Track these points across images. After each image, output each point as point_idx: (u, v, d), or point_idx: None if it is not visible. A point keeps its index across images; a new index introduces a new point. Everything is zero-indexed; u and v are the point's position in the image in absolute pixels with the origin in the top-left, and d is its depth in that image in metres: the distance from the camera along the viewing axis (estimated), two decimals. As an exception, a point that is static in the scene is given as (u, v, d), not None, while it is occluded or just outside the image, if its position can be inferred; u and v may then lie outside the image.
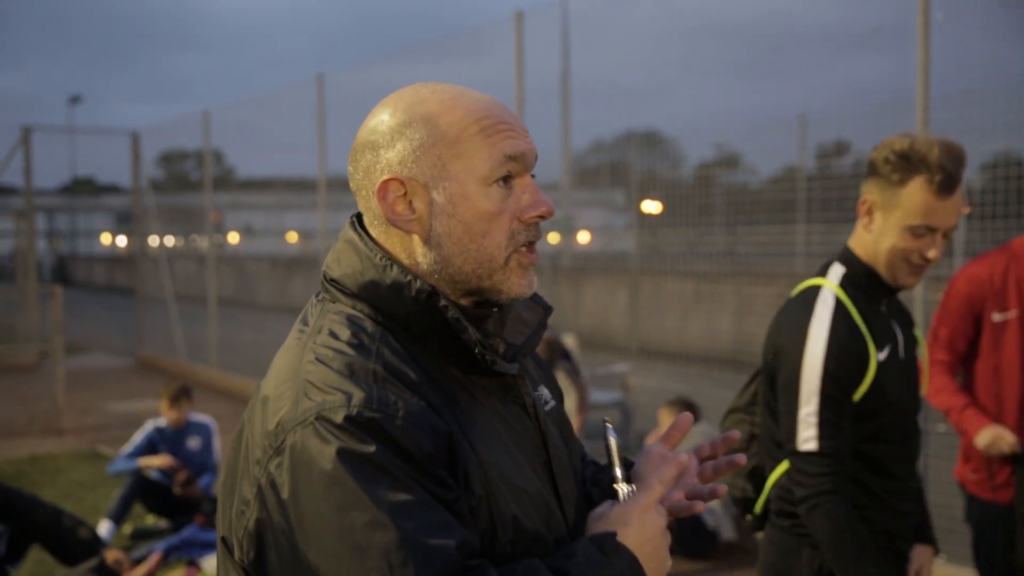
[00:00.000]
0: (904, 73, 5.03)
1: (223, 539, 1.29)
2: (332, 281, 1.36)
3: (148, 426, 6.70)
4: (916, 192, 2.30)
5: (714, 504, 5.70)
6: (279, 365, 1.30)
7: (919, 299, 5.08)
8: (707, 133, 10.25)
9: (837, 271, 2.47)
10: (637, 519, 1.31)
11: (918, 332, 2.67)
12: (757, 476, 2.62)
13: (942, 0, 4.85)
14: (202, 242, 16.17)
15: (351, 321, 1.30)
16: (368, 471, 1.14)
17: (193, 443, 6.62)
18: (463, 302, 1.35)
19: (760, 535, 2.67)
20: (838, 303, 2.40)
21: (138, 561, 5.45)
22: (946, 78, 4.94)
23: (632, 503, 1.33)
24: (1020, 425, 3.35)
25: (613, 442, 1.40)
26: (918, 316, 5.08)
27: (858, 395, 2.37)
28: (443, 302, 1.28)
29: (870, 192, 2.40)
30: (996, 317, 3.39)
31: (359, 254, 1.33)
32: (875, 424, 2.41)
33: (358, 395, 1.18)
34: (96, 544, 5.21)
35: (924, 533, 2.76)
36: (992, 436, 3.31)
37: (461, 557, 1.14)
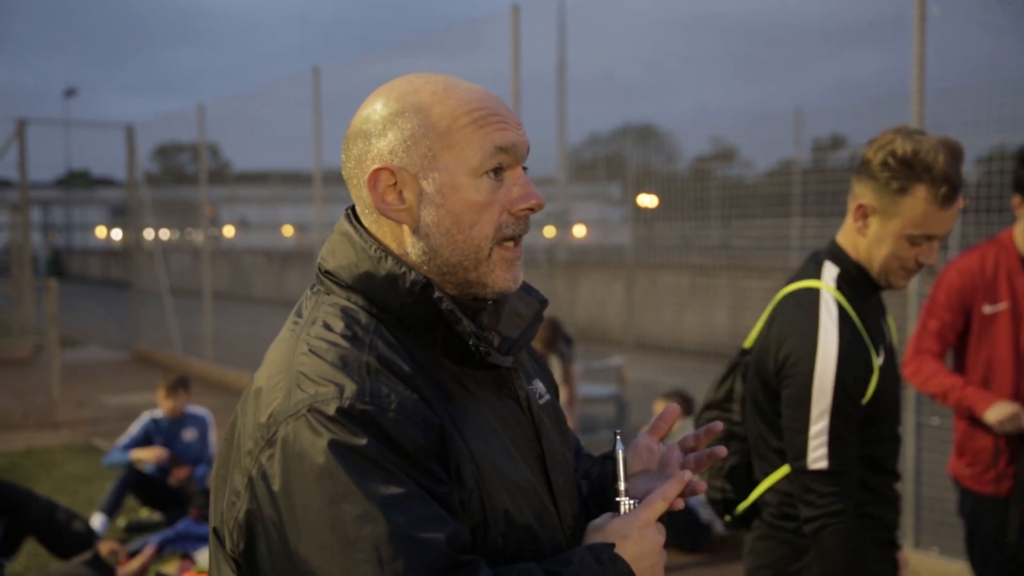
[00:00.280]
0: (900, 67, 5.04)
1: (215, 530, 1.29)
2: (327, 273, 1.36)
3: (144, 417, 6.68)
4: (918, 203, 2.22)
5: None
6: (273, 357, 1.29)
7: (913, 291, 5.09)
8: (703, 127, 10.27)
9: (831, 271, 2.40)
10: (637, 534, 1.31)
11: (891, 318, 2.64)
12: (736, 476, 2.55)
13: (938, -6, 4.86)
14: (197, 235, 16.13)
15: (345, 313, 1.30)
16: (360, 464, 1.14)
17: (189, 435, 6.60)
18: (459, 295, 1.35)
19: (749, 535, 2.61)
20: (841, 311, 2.32)
21: (133, 554, 5.45)
22: (942, 72, 4.96)
23: (633, 517, 1.33)
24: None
25: (621, 455, 1.40)
26: (911, 309, 5.09)
27: (863, 401, 2.33)
28: (437, 294, 1.28)
29: (865, 195, 2.31)
30: (987, 309, 3.40)
31: (354, 246, 1.33)
32: (876, 428, 2.39)
33: (351, 387, 1.18)
34: (90, 537, 5.21)
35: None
36: (1009, 411, 3.23)
37: (451, 550, 1.14)
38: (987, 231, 5.28)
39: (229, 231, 29.14)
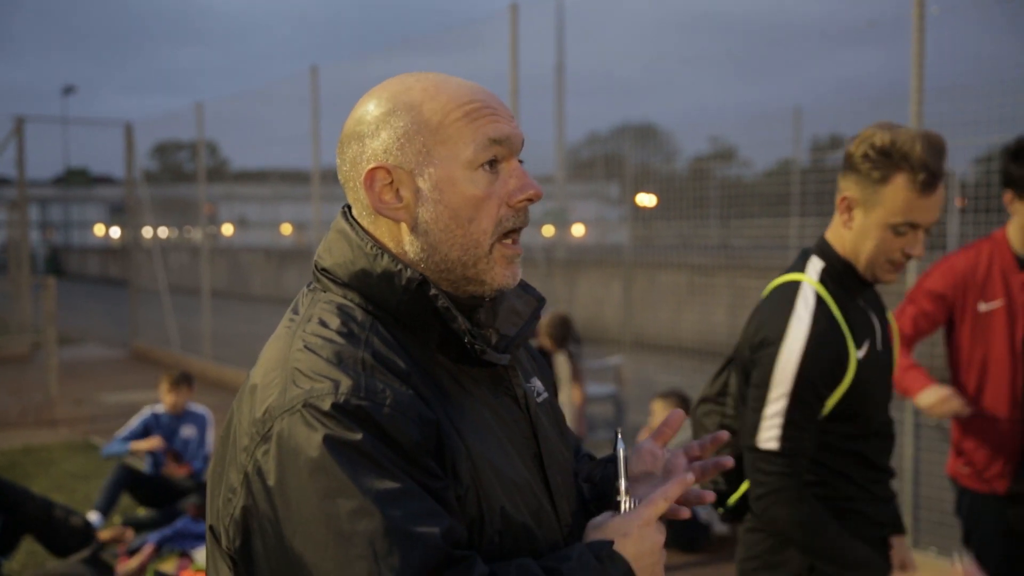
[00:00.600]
0: (899, 67, 5.04)
1: (211, 527, 1.29)
2: (323, 271, 1.36)
3: (145, 411, 6.75)
4: (898, 190, 2.24)
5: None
6: (268, 354, 1.29)
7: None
8: (702, 126, 10.26)
9: (816, 265, 2.42)
10: (637, 532, 1.31)
11: (890, 315, 2.65)
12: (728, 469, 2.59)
13: (937, -6, 4.86)
14: (196, 234, 16.13)
15: (341, 310, 1.30)
16: (354, 459, 1.14)
17: (187, 431, 6.65)
18: (455, 293, 1.35)
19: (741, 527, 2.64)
20: (819, 301, 2.35)
21: (132, 553, 5.45)
22: (941, 72, 4.95)
23: (634, 516, 1.33)
24: (1011, 414, 3.35)
25: (622, 453, 1.40)
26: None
27: (837, 396, 2.34)
28: (433, 291, 1.28)
29: (848, 188, 2.34)
30: (982, 307, 3.39)
31: (350, 244, 1.33)
32: (859, 422, 2.39)
33: (346, 383, 1.18)
34: (88, 534, 5.21)
35: (898, 523, 2.77)
36: (939, 396, 3.30)
37: (447, 545, 1.14)
38: (986, 231, 5.27)
39: (228, 229, 29.11)
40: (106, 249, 41.59)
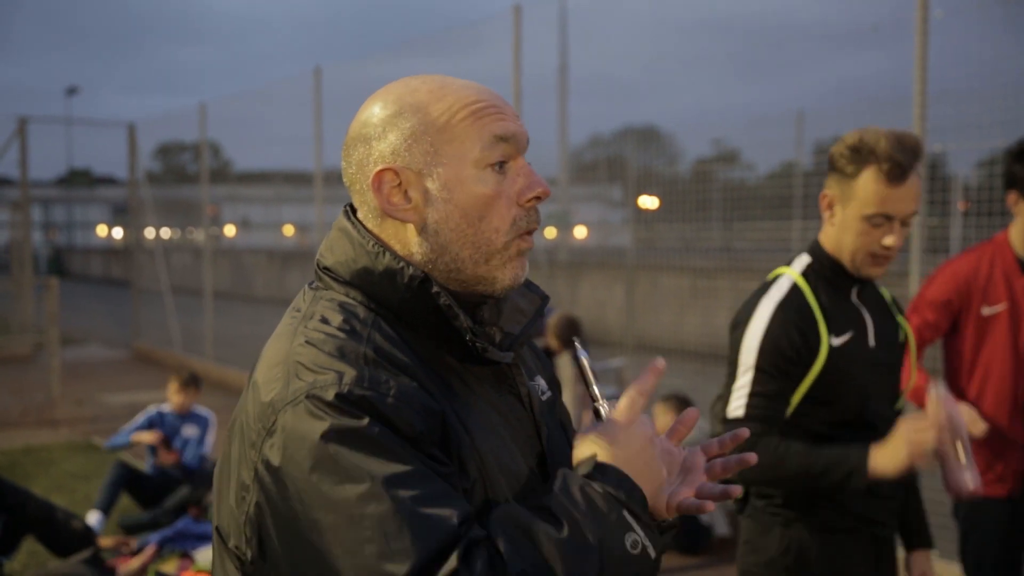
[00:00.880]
0: (902, 70, 5.03)
1: (217, 529, 1.29)
2: (325, 269, 1.36)
3: (150, 409, 6.86)
4: (868, 182, 2.36)
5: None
6: (270, 351, 1.30)
7: (913, 291, 5.08)
8: (705, 129, 10.26)
9: (802, 261, 2.55)
10: (623, 435, 1.26)
11: (902, 320, 2.68)
12: None
13: (940, -3, 4.86)
14: (198, 235, 16.14)
15: (343, 308, 1.30)
16: (360, 445, 1.14)
17: (189, 431, 6.74)
18: (460, 291, 1.35)
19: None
20: (793, 287, 2.47)
21: (133, 553, 5.46)
22: (944, 75, 4.95)
23: (613, 420, 1.29)
24: (1012, 419, 3.35)
25: (585, 362, 1.38)
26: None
27: (809, 379, 2.41)
28: (435, 288, 1.28)
29: (829, 187, 2.47)
30: (985, 311, 3.37)
31: (352, 242, 1.33)
32: (836, 409, 2.44)
33: (350, 374, 1.18)
34: (89, 536, 5.22)
35: (921, 537, 2.76)
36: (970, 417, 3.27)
37: (457, 526, 1.13)
38: (988, 234, 5.27)
39: (230, 230, 29.15)
40: (109, 250, 41.65)
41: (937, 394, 2.19)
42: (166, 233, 16.90)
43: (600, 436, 1.26)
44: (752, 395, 2.40)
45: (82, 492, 6.90)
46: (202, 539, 5.65)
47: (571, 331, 6.92)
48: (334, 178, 10.98)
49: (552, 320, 6.85)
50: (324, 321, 1.28)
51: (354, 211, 1.38)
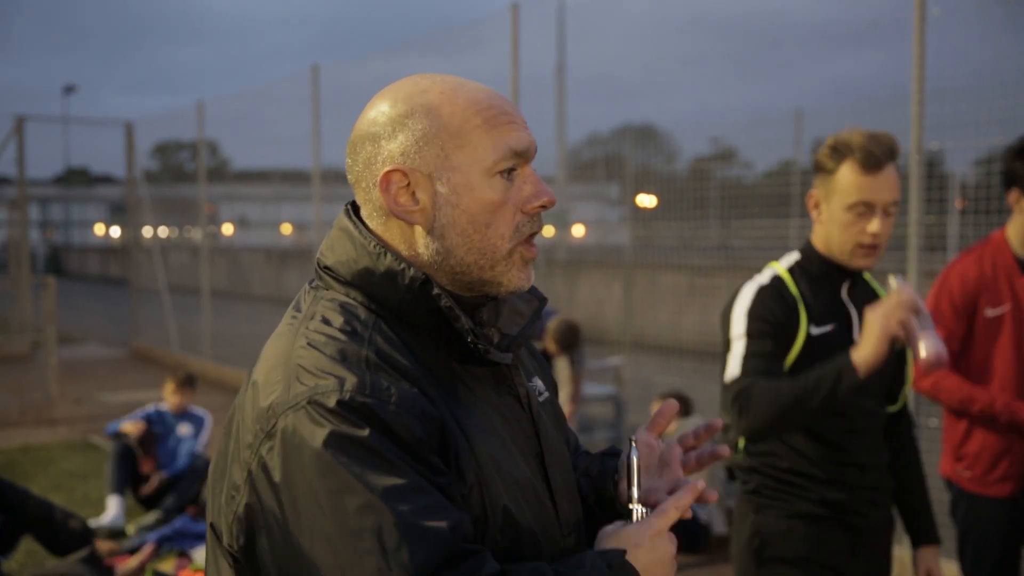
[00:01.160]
0: (899, 68, 5.03)
1: (211, 525, 1.29)
2: (326, 268, 1.35)
3: (149, 406, 6.96)
4: (847, 174, 2.48)
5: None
6: (270, 351, 1.29)
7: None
8: (703, 127, 10.27)
9: (790, 257, 2.66)
10: (649, 543, 1.31)
11: None
12: None
13: (938, -5, 4.86)
14: (196, 233, 16.13)
15: (344, 308, 1.30)
16: (361, 455, 1.14)
17: (183, 429, 6.82)
18: (461, 293, 1.35)
19: None
20: (776, 277, 2.60)
21: (131, 551, 5.46)
22: (941, 73, 4.95)
23: (646, 526, 1.33)
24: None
25: (636, 461, 1.40)
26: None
27: (789, 361, 2.51)
28: (436, 290, 1.28)
29: (815, 188, 2.59)
30: (989, 313, 3.34)
31: (353, 242, 1.33)
32: None
33: (351, 380, 1.18)
34: (87, 536, 5.22)
35: (927, 533, 2.78)
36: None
37: (455, 539, 1.14)
38: (986, 232, 5.28)
39: (228, 229, 29.14)
40: (106, 248, 41.59)
41: (896, 280, 2.35)
42: (164, 232, 16.89)
43: (631, 536, 1.32)
44: (747, 357, 2.49)
45: (80, 491, 6.90)
46: (199, 538, 5.65)
47: (571, 337, 6.93)
48: (332, 177, 10.97)
49: (552, 324, 6.86)
50: (325, 322, 1.27)
51: (355, 209, 1.38)
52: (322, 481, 1.13)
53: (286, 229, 30.13)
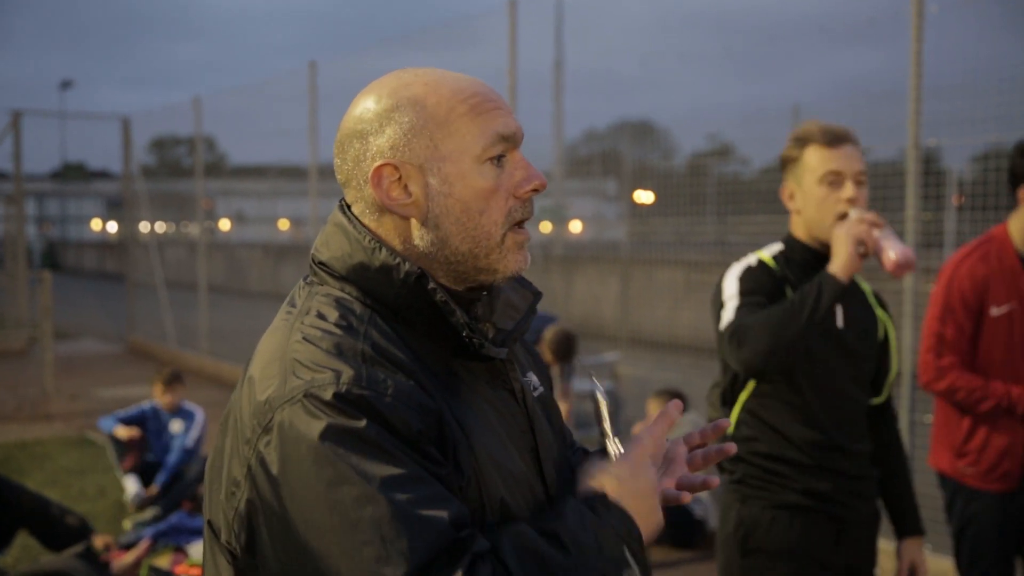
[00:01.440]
0: (897, 65, 5.03)
1: (209, 522, 1.29)
2: (320, 264, 1.35)
3: (145, 404, 6.97)
4: (811, 154, 2.61)
5: (702, 493, 5.72)
6: (265, 346, 1.29)
7: (909, 289, 5.09)
8: (700, 123, 10.26)
9: (774, 247, 2.75)
10: (630, 475, 1.31)
11: (881, 313, 2.81)
12: None
13: (936, -8, 4.86)
14: (193, 228, 16.11)
15: (339, 303, 1.30)
16: (358, 446, 1.14)
17: (176, 426, 6.85)
18: (455, 287, 1.35)
19: None
20: (759, 261, 2.70)
21: (127, 547, 5.45)
22: (938, 70, 4.95)
23: (623, 460, 1.33)
24: (1022, 419, 3.32)
25: (601, 399, 1.39)
26: (908, 307, 5.08)
27: None
28: (431, 285, 1.28)
29: (787, 181, 2.70)
30: (994, 311, 3.31)
31: (348, 237, 1.33)
32: (794, 376, 2.58)
33: (347, 373, 1.18)
34: (83, 531, 5.21)
35: (910, 524, 2.79)
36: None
37: (453, 529, 1.14)
38: (983, 228, 5.28)
39: (225, 224, 29.06)
40: (103, 244, 41.54)
41: (856, 208, 2.54)
42: (160, 227, 16.86)
43: (611, 474, 1.31)
44: (739, 307, 2.58)
45: (76, 487, 6.90)
46: (196, 534, 5.65)
47: (567, 346, 6.91)
48: (329, 173, 10.90)
49: (548, 334, 6.83)
50: (320, 317, 1.27)
51: (348, 206, 1.38)
52: (320, 473, 1.13)
53: (283, 224, 30.06)
